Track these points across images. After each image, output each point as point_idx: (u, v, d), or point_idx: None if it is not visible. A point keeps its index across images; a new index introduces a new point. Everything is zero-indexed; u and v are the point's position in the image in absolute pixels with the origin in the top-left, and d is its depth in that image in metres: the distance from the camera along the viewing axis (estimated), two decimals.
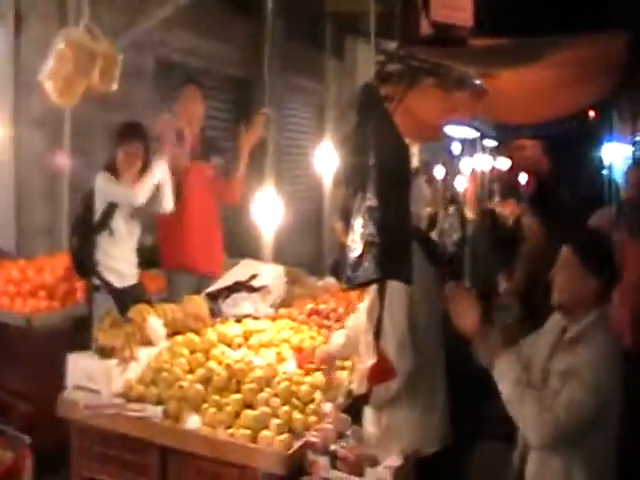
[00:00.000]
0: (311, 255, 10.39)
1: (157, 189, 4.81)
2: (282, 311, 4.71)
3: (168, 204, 4.94)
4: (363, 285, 3.01)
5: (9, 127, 5.77)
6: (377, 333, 3.24)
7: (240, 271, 4.85)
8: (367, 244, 2.84)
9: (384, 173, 2.91)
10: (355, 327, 3.71)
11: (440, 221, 9.89)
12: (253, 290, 4.63)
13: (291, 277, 5.18)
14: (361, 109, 3.10)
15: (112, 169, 4.65)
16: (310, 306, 4.73)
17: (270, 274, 4.82)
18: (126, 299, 4.54)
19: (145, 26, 6.06)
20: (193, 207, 5.25)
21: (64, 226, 6.03)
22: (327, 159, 5.24)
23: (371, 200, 2.87)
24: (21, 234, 6.00)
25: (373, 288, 3.31)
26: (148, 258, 5.22)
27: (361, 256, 2.85)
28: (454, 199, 11.59)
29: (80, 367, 3.69)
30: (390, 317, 3.22)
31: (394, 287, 3.09)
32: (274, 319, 4.47)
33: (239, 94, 8.98)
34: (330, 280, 5.62)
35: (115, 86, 4.08)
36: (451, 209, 9.98)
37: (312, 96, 10.89)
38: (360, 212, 2.90)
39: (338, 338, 3.86)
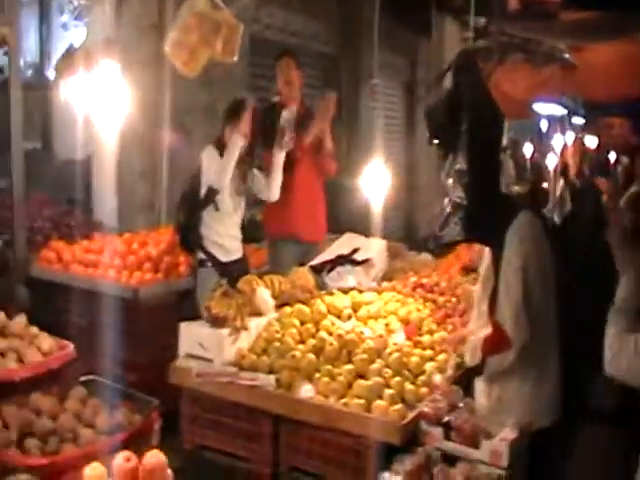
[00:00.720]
0: (404, 231, 10.32)
1: (267, 176, 4.87)
2: (385, 284, 4.71)
3: (274, 193, 4.96)
4: (448, 245, 2.99)
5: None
6: (492, 303, 3.21)
7: (343, 244, 4.86)
8: (455, 206, 2.84)
9: (475, 138, 2.91)
10: None
11: (547, 196, 9.70)
12: (357, 264, 4.63)
13: (392, 251, 5.16)
14: (457, 73, 3.09)
15: (221, 146, 4.68)
16: (414, 279, 4.71)
17: (373, 248, 4.82)
18: (231, 273, 4.55)
19: (242, 2, 6.07)
20: (299, 176, 5.25)
21: (163, 203, 6.15)
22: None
23: (461, 164, 2.86)
24: (122, 210, 6.13)
25: (488, 257, 3.27)
26: (246, 232, 5.25)
27: (448, 217, 2.84)
28: (557, 173, 11.35)
29: (192, 336, 3.77)
30: (505, 287, 3.16)
31: (509, 257, 3.05)
32: (379, 292, 4.46)
33: (326, 70, 8.96)
34: (428, 256, 5.57)
35: (236, 57, 4.08)
36: (560, 183, 9.79)
37: (399, 72, 10.78)
38: (450, 175, 2.89)
39: None
